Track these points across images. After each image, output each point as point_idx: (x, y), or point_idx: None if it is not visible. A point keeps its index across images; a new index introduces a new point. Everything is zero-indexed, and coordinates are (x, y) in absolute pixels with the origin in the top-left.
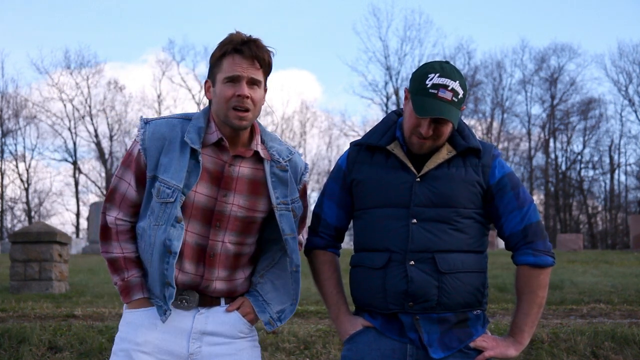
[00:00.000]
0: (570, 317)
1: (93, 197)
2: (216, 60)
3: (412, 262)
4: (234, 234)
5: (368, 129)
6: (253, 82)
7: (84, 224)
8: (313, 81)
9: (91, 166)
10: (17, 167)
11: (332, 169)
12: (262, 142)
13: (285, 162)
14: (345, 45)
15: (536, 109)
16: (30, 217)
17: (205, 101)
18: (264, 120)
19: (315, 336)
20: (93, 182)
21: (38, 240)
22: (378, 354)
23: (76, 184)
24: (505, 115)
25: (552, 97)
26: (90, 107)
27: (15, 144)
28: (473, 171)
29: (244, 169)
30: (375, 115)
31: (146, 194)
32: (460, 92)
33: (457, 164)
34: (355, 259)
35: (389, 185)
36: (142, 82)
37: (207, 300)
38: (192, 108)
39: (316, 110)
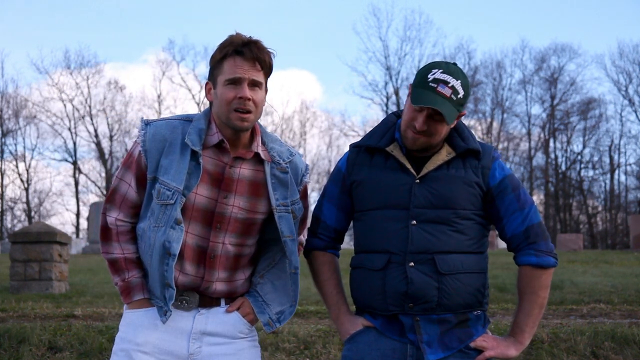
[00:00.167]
0: (570, 317)
1: (93, 197)
2: (217, 62)
3: (412, 264)
4: (234, 235)
5: (368, 129)
6: (254, 84)
7: (84, 224)
8: (313, 81)
9: (91, 166)
10: (17, 167)
11: (332, 170)
12: (263, 143)
13: (285, 163)
14: (345, 45)
15: (536, 109)
16: (30, 217)
17: (206, 101)
18: (263, 120)
19: (315, 336)
20: (93, 182)
21: (38, 240)
22: (378, 353)
23: (76, 184)
24: (505, 115)
25: (552, 97)
26: (90, 107)
27: (15, 144)
28: (472, 173)
29: (244, 171)
30: (375, 116)
31: (146, 195)
32: (461, 91)
33: (456, 165)
34: (355, 261)
35: (389, 186)
36: (142, 82)
37: (207, 301)
38: (192, 108)
39: (316, 110)
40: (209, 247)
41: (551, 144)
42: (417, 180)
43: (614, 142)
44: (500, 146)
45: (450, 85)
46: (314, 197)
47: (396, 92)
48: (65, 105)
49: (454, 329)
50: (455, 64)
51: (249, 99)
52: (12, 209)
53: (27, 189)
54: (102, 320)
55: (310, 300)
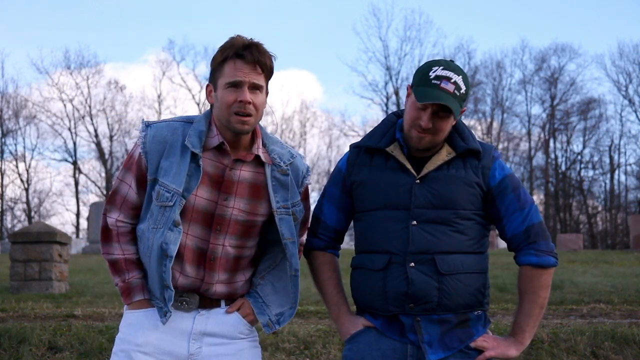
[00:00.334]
0: (570, 317)
1: (93, 197)
2: (217, 65)
3: (412, 264)
4: (234, 237)
5: (368, 129)
6: (255, 87)
7: (84, 224)
8: (313, 81)
9: (91, 166)
10: (17, 167)
11: (332, 170)
12: (264, 145)
13: (286, 165)
14: (345, 45)
15: (536, 109)
16: (30, 217)
17: (206, 101)
18: (263, 121)
19: (315, 336)
20: (93, 182)
21: (38, 240)
22: (379, 353)
23: (76, 184)
24: (505, 115)
25: (552, 97)
26: (90, 107)
27: (15, 144)
28: (473, 173)
29: (244, 173)
30: (375, 116)
31: (147, 196)
32: (463, 87)
33: (456, 165)
34: (356, 261)
35: (389, 187)
36: (143, 82)
37: (207, 302)
38: (192, 108)
39: (316, 110)
40: (209, 249)
41: (551, 144)
42: (418, 181)
43: (614, 142)
44: (500, 146)
45: (452, 81)
46: (313, 197)
47: (396, 92)
48: (65, 105)
49: (455, 329)
50: (452, 61)
51: (250, 103)
52: (12, 209)
53: (27, 189)
54: (102, 321)
55: (310, 300)
